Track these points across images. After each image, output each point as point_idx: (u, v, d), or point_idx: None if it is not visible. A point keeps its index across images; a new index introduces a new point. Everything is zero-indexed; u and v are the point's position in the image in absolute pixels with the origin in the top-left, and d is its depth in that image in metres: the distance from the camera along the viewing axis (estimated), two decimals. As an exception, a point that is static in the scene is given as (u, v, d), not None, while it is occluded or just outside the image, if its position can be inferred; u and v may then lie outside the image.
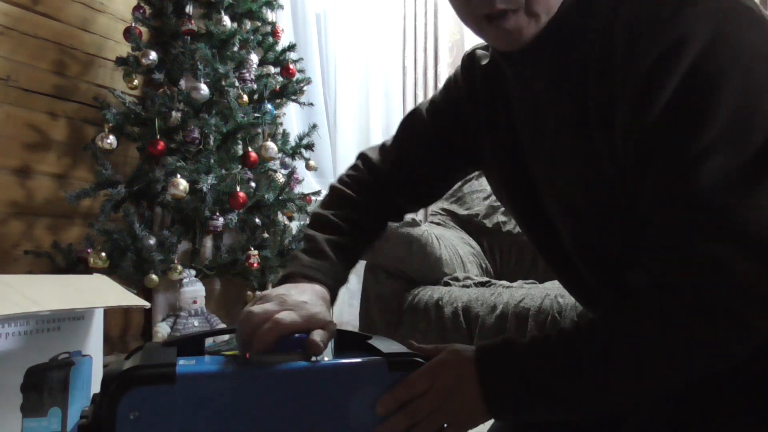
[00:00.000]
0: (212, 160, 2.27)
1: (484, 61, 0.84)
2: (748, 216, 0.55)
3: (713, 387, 0.61)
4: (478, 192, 2.64)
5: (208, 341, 0.71)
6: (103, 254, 2.10)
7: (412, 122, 0.93)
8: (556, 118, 0.70)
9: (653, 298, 0.59)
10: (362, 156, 0.96)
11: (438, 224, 2.62)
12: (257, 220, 2.41)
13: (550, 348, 0.63)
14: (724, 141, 0.56)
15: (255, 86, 2.41)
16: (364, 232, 0.88)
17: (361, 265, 2.55)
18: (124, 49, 2.44)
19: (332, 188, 0.93)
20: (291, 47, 2.61)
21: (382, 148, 0.95)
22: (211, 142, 2.34)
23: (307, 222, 0.90)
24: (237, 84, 2.34)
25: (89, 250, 2.08)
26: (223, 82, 2.33)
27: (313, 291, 0.74)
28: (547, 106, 0.72)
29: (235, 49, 2.42)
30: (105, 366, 1.04)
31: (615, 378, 0.60)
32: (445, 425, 0.66)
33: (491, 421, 0.87)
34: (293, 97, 2.58)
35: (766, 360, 0.59)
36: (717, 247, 0.55)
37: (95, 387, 1.11)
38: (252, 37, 2.48)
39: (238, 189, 2.21)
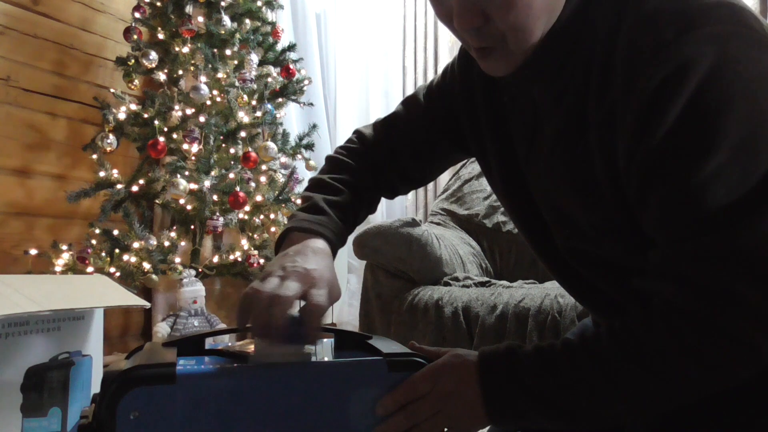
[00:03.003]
0: (212, 160, 2.27)
1: None
2: (754, 242, 0.55)
3: (711, 396, 0.61)
4: (478, 192, 2.64)
5: (209, 341, 0.71)
6: (103, 254, 2.10)
7: (408, 104, 0.94)
8: (554, 129, 0.70)
9: (660, 319, 0.59)
10: (357, 131, 0.97)
11: (438, 224, 2.62)
12: (257, 220, 2.41)
13: (553, 357, 0.63)
14: (730, 167, 0.55)
15: (255, 86, 2.41)
16: (360, 195, 0.89)
17: (361, 264, 2.55)
18: (124, 49, 2.44)
19: (328, 157, 0.95)
20: (291, 47, 2.62)
21: (376, 125, 0.96)
22: (211, 142, 2.34)
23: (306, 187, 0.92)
24: (237, 84, 2.34)
25: (89, 250, 2.08)
26: (223, 82, 2.33)
27: (312, 250, 0.74)
28: (545, 116, 0.71)
29: (235, 49, 2.42)
30: (105, 366, 1.04)
31: (617, 394, 0.61)
32: (446, 429, 0.66)
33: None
34: (293, 97, 2.58)
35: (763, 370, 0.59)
36: (724, 273, 0.55)
37: (95, 387, 1.10)
38: (252, 37, 2.48)
39: (238, 189, 2.21)
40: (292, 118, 3.07)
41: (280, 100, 2.56)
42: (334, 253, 0.80)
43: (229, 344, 0.73)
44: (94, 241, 2.15)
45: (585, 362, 0.61)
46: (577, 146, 0.66)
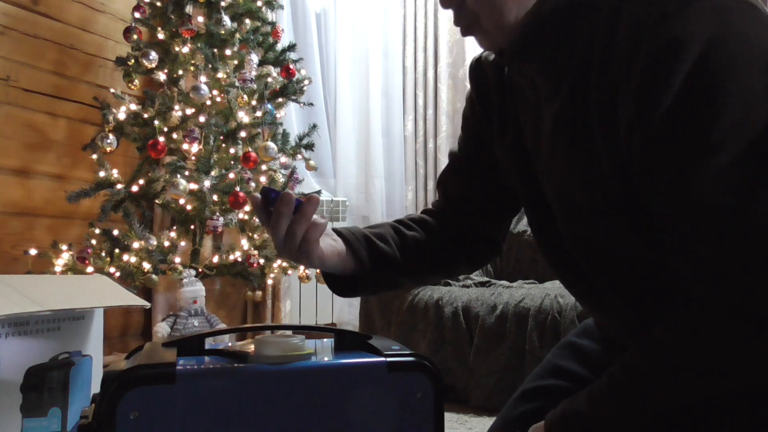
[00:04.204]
0: (212, 160, 2.27)
1: (492, 58, 0.85)
2: (763, 214, 0.55)
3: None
4: (478, 192, 2.64)
5: (209, 341, 0.71)
6: (103, 254, 2.10)
7: (449, 163, 0.96)
8: (555, 112, 0.70)
9: (693, 313, 0.59)
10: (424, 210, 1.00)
11: (438, 224, 2.62)
12: (257, 220, 2.41)
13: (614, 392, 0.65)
14: (734, 138, 0.55)
15: (255, 86, 2.41)
16: (405, 241, 0.89)
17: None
18: (124, 49, 2.44)
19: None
20: (291, 47, 2.62)
21: (428, 209, 0.98)
22: (211, 142, 2.34)
23: None
24: (237, 84, 2.35)
25: (89, 250, 2.08)
26: (223, 82, 2.33)
27: None
28: (546, 100, 0.72)
29: (235, 49, 2.42)
30: (105, 366, 1.04)
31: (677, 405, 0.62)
32: None
33: (492, 420, 0.87)
34: (293, 97, 2.58)
35: None
36: (738, 251, 0.55)
37: (95, 387, 1.10)
38: (252, 37, 2.48)
39: (238, 189, 2.21)
40: (292, 118, 3.07)
41: (280, 100, 2.55)
42: (346, 243, 0.82)
43: (229, 344, 0.73)
44: (94, 241, 2.15)
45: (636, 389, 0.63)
46: (578, 126, 0.67)
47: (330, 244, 0.80)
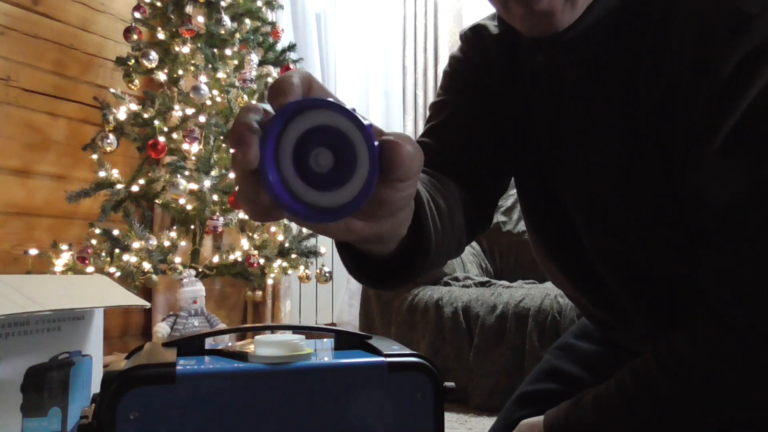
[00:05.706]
0: (212, 160, 2.27)
1: (495, 32, 0.76)
2: None
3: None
4: (478, 192, 2.64)
5: (209, 341, 0.71)
6: (103, 254, 2.10)
7: (447, 116, 0.78)
8: (593, 113, 0.65)
9: (723, 333, 0.57)
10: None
11: (438, 224, 2.62)
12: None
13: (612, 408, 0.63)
14: None
15: (255, 86, 2.41)
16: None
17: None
18: (124, 49, 2.44)
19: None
20: (291, 47, 2.62)
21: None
22: (211, 142, 2.34)
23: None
24: (237, 84, 2.35)
25: (89, 250, 2.08)
26: (223, 82, 2.33)
27: None
28: (580, 99, 0.66)
29: (235, 49, 2.42)
30: (105, 366, 1.04)
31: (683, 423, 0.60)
32: None
33: (492, 420, 0.87)
34: (293, 97, 2.58)
35: None
36: None
37: (95, 387, 1.10)
38: (252, 37, 2.48)
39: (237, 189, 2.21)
40: (292, 118, 3.07)
41: (280, 100, 2.55)
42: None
43: (229, 344, 0.73)
44: (94, 241, 2.15)
45: (647, 405, 0.61)
46: (622, 129, 0.62)
47: None
